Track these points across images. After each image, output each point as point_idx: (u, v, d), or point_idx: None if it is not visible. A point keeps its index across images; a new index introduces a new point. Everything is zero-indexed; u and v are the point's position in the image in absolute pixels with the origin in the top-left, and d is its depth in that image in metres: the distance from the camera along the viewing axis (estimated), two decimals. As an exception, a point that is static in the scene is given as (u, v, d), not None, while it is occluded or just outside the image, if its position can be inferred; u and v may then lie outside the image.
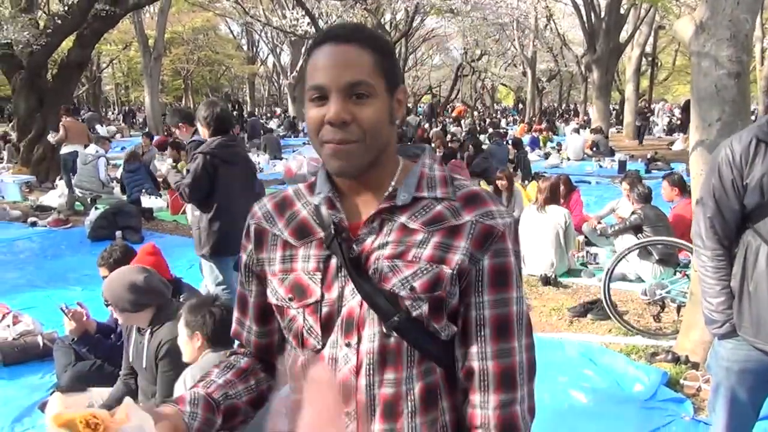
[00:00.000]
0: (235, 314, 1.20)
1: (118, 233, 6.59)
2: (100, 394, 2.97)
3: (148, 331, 2.73)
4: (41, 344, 3.90)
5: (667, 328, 4.39)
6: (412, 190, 1.03)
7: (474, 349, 1.02)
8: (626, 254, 4.72)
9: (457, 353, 1.04)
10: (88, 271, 4.42)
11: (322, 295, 1.03)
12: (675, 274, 4.82)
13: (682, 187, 5.74)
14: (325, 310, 1.03)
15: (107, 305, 2.89)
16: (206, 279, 4.03)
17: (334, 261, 1.03)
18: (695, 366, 3.62)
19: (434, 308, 1.00)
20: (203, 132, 3.89)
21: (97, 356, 3.26)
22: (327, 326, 1.03)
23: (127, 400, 0.89)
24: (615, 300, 4.54)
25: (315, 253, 1.05)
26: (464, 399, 1.05)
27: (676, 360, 3.69)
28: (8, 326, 3.98)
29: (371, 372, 1.00)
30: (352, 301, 1.02)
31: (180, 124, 4.64)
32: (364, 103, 0.98)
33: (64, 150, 9.44)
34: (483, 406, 1.02)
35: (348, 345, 1.01)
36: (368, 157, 1.01)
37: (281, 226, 1.10)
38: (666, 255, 5.06)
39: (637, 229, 5.22)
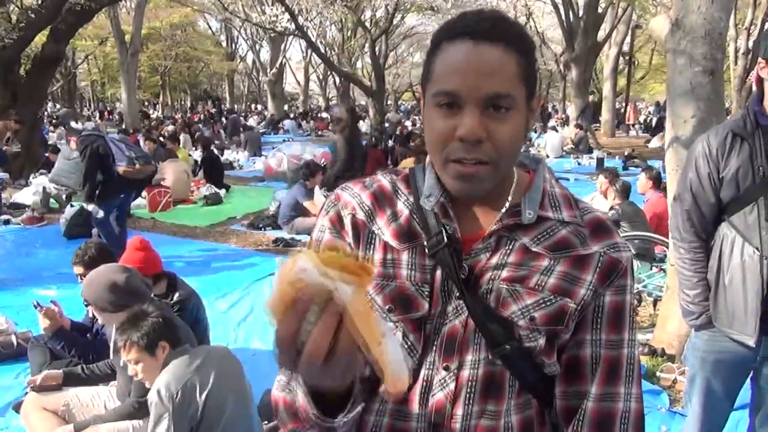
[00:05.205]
0: None
1: (95, 231, 6.48)
2: (76, 393, 2.92)
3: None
4: (15, 343, 3.83)
5: (643, 322, 4.46)
6: (537, 208, 0.91)
7: (581, 388, 0.93)
8: (604, 249, 4.78)
9: (557, 389, 0.95)
10: (64, 270, 4.35)
11: (429, 311, 0.91)
12: (651, 268, 4.90)
13: (657, 181, 5.94)
14: (428, 327, 0.92)
15: (86, 304, 2.84)
16: None
17: (439, 272, 0.91)
18: (671, 359, 3.69)
19: (549, 342, 0.91)
20: None
21: (72, 353, 3.21)
22: (425, 345, 0.92)
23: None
24: (593, 295, 4.60)
25: (420, 262, 0.92)
26: None
27: (653, 353, 3.75)
28: (-19, 326, 3.90)
29: (470, 401, 0.91)
30: (455, 320, 0.91)
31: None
32: (503, 117, 0.83)
33: None
34: None
35: (446, 369, 0.91)
36: (497, 180, 0.88)
37: (381, 224, 0.95)
38: (643, 250, 5.14)
39: (614, 225, 5.29)
